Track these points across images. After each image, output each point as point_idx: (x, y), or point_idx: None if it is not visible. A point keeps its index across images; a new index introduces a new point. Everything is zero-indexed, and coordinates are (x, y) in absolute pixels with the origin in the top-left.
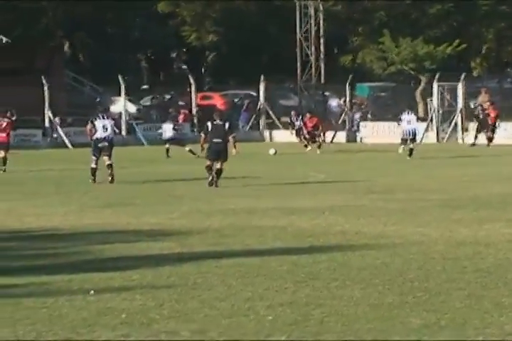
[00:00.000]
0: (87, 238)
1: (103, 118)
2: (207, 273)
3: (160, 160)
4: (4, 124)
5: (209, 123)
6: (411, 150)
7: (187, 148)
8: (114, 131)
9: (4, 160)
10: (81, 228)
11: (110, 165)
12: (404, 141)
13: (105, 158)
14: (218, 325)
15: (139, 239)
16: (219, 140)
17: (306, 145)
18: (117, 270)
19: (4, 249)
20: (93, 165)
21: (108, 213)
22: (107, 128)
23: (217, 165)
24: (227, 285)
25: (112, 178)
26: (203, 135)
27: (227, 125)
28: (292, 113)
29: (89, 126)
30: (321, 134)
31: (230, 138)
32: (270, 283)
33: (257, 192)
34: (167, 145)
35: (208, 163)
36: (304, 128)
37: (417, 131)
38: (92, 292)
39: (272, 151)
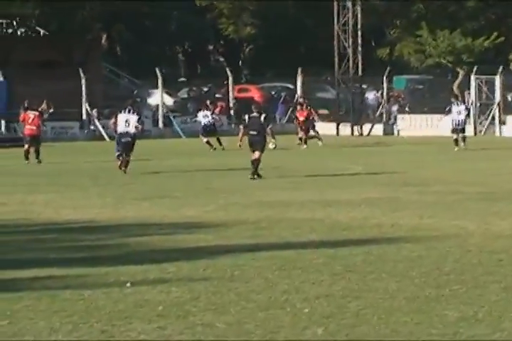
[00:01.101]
0: (124, 230)
1: (128, 112)
2: (243, 265)
3: (197, 153)
4: (32, 117)
5: (246, 116)
6: (464, 138)
7: (204, 140)
8: (138, 127)
9: (37, 152)
10: (117, 220)
11: (127, 162)
12: (455, 131)
13: (125, 154)
14: (254, 317)
15: (175, 231)
16: (255, 132)
17: (302, 141)
18: (154, 262)
19: (41, 241)
20: (119, 158)
21: (144, 205)
22: (129, 123)
23: (255, 156)
24: (264, 278)
25: (125, 171)
26: (241, 127)
27: (262, 117)
28: (207, 102)
29: (113, 120)
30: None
31: (268, 129)
32: (306, 275)
33: (294, 184)
34: (205, 139)
35: (253, 157)
36: (296, 121)
37: (465, 122)
38: (129, 284)
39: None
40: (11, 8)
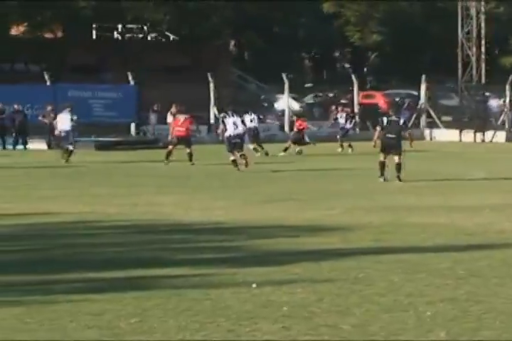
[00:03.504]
0: (249, 232)
1: (233, 116)
2: (367, 268)
3: (321, 157)
4: (182, 120)
5: (385, 119)
6: None
7: (251, 147)
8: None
9: (190, 155)
10: (244, 222)
11: (243, 155)
12: None
13: (237, 152)
14: (378, 319)
15: (299, 234)
16: (393, 135)
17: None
18: (279, 264)
19: (170, 242)
20: (232, 158)
21: (270, 208)
22: (237, 125)
23: (396, 160)
24: (388, 281)
25: (246, 164)
26: (378, 129)
27: (401, 121)
28: (339, 109)
29: (221, 126)
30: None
31: (407, 134)
32: (431, 279)
33: (417, 189)
34: (252, 146)
35: (381, 158)
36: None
37: None
38: (255, 285)
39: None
40: (144, 14)
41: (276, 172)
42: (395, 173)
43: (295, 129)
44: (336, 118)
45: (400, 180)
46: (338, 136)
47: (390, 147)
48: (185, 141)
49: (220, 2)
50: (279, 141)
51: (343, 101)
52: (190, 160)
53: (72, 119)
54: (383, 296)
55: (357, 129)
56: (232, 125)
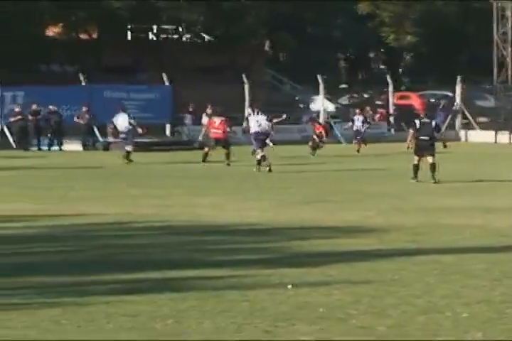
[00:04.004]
0: (285, 233)
1: (257, 114)
2: (403, 270)
3: (356, 158)
4: (218, 121)
5: (417, 121)
6: None
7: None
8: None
9: (227, 155)
10: (278, 223)
11: (260, 159)
12: None
13: (259, 150)
14: (415, 321)
15: (335, 235)
16: (426, 137)
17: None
18: (314, 265)
19: (205, 243)
20: (261, 155)
21: (305, 209)
22: (260, 124)
23: (430, 160)
24: (424, 282)
25: (269, 169)
26: (411, 131)
27: (433, 123)
28: (356, 111)
29: (244, 124)
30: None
31: (439, 135)
32: (466, 280)
33: (452, 190)
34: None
35: (416, 161)
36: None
37: None
38: (290, 286)
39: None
40: (178, 14)
41: (309, 173)
42: (429, 174)
43: (317, 132)
44: (353, 121)
45: (434, 180)
46: (355, 141)
47: (424, 149)
48: (224, 142)
49: (255, 2)
50: None
51: (378, 102)
52: (228, 158)
53: (131, 118)
54: (419, 298)
55: (392, 130)
56: (256, 122)
